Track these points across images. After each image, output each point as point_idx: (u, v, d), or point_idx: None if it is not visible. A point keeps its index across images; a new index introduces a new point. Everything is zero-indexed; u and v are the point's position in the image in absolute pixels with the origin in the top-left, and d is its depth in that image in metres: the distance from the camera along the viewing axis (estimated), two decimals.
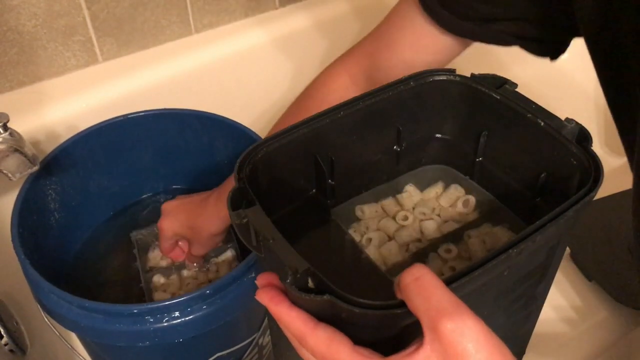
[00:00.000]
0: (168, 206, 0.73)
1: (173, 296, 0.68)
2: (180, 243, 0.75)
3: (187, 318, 0.57)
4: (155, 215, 0.83)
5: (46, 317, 0.62)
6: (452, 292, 0.33)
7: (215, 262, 0.78)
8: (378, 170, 0.56)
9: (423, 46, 0.60)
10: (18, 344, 0.73)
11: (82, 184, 0.77)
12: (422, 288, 0.32)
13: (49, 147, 0.73)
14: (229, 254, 0.78)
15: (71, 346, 0.68)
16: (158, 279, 0.76)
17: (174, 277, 0.76)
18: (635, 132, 0.44)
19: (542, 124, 0.47)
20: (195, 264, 0.76)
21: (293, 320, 0.36)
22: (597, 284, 0.75)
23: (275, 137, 0.47)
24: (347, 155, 0.52)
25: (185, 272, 0.77)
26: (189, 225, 0.70)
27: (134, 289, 0.76)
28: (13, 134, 0.63)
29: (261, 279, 0.39)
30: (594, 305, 0.75)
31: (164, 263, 0.78)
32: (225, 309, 0.59)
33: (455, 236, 0.51)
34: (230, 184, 0.61)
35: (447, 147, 0.56)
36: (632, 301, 0.72)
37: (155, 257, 0.79)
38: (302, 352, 0.37)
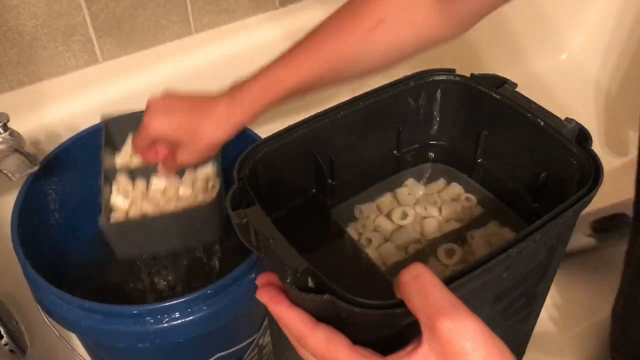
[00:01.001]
0: (160, 102, 0.63)
1: (130, 211, 0.66)
2: (158, 146, 0.65)
3: (187, 319, 0.57)
4: None
5: (46, 318, 0.62)
6: (450, 291, 0.33)
7: (191, 175, 0.70)
8: (378, 169, 0.56)
9: None
10: (18, 344, 0.73)
11: (82, 184, 0.77)
12: (420, 287, 0.32)
13: (49, 147, 0.73)
14: (209, 168, 0.70)
15: (71, 346, 0.68)
16: (121, 180, 0.68)
17: (140, 183, 0.69)
18: None
19: (542, 123, 0.47)
20: (168, 174, 0.68)
21: (292, 320, 0.36)
22: None
23: (275, 137, 0.47)
24: (347, 155, 0.52)
25: (154, 181, 0.69)
26: (187, 128, 0.61)
27: (134, 289, 0.76)
28: (13, 134, 0.64)
29: (261, 279, 0.39)
30: (594, 305, 0.75)
31: (133, 163, 0.71)
32: (226, 309, 0.59)
33: (458, 236, 0.51)
34: (249, 86, 0.59)
35: (447, 147, 0.56)
36: None
37: (125, 154, 0.71)
38: (302, 352, 0.37)
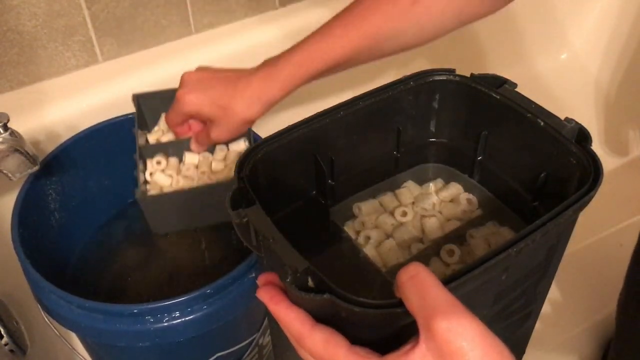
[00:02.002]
0: (193, 76, 0.63)
1: (165, 185, 0.67)
2: (191, 121, 0.65)
3: (187, 318, 0.57)
4: None
5: (46, 317, 0.62)
6: (447, 291, 0.32)
7: (223, 151, 0.70)
8: (378, 169, 0.56)
9: None
10: (18, 344, 0.73)
11: (82, 184, 0.77)
12: (418, 286, 0.32)
13: (49, 147, 0.73)
14: (241, 144, 0.70)
15: (71, 346, 0.68)
16: (156, 157, 0.69)
17: (173, 159, 0.70)
18: None
19: (542, 123, 0.47)
20: (200, 150, 0.68)
21: (291, 321, 0.36)
22: None
23: (275, 137, 0.47)
24: (347, 155, 0.52)
25: (187, 156, 0.69)
26: (220, 104, 0.60)
27: (134, 289, 0.76)
28: (13, 133, 0.64)
29: (262, 278, 0.39)
30: (594, 305, 0.75)
31: (164, 139, 0.72)
32: (226, 309, 0.59)
33: (457, 235, 0.51)
34: (285, 61, 0.58)
35: (447, 146, 0.56)
36: None
37: (157, 132, 0.71)
38: (301, 352, 0.37)
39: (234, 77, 0.61)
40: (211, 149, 0.71)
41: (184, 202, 0.68)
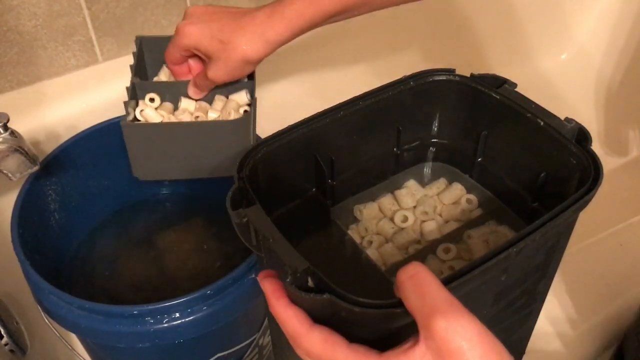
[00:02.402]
0: (197, 9, 0.59)
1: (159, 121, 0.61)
2: (191, 62, 0.62)
3: (187, 319, 0.57)
4: (156, 216, 0.83)
5: (46, 318, 0.62)
6: (447, 290, 0.32)
7: (221, 100, 0.65)
8: (378, 169, 0.56)
9: None
10: (18, 344, 0.73)
11: (82, 185, 0.77)
12: (417, 286, 0.32)
13: (49, 147, 0.73)
14: (242, 95, 0.65)
15: (71, 346, 0.68)
16: (150, 95, 0.65)
17: (168, 104, 0.65)
18: None
19: (542, 123, 0.47)
20: (198, 94, 0.64)
21: (289, 319, 0.36)
22: None
23: (275, 137, 0.47)
24: (347, 155, 0.52)
25: (183, 102, 0.64)
26: (222, 38, 0.57)
27: (134, 290, 0.76)
28: (13, 133, 0.63)
29: (263, 273, 0.39)
30: (594, 305, 0.75)
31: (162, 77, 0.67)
32: (226, 309, 0.59)
33: (455, 236, 0.51)
34: (292, 3, 0.54)
35: (447, 147, 0.56)
36: None
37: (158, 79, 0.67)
38: (298, 352, 0.37)
39: (239, 12, 0.57)
40: (209, 100, 0.66)
41: (175, 139, 0.61)
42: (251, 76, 0.66)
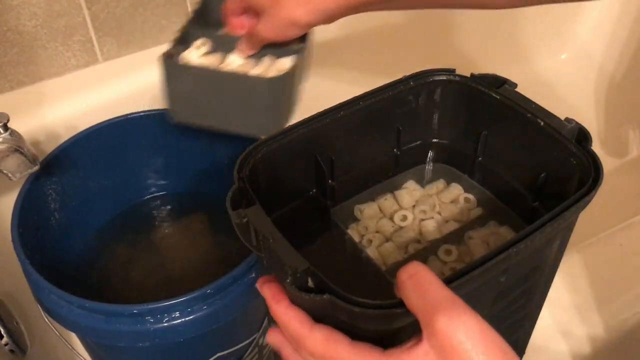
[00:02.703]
0: None
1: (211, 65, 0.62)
2: (245, 18, 0.61)
3: (187, 318, 0.57)
4: (156, 216, 0.83)
5: (46, 317, 0.62)
6: (447, 288, 0.33)
7: (269, 60, 0.65)
8: (378, 169, 0.56)
9: None
10: (18, 344, 0.73)
11: (82, 184, 0.77)
12: (418, 284, 0.32)
13: (49, 147, 0.73)
14: (287, 62, 0.65)
15: (71, 346, 0.68)
16: (200, 41, 0.65)
17: (217, 56, 0.65)
18: None
19: (542, 123, 0.47)
20: (247, 50, 0.63)
21: (290, 320, 0.36)
22: None
23: (275, 137, 0.47)
24: (347, 155, 0.52)
25: (231, 57, 0.65)
26: None
27: (134, 289, 0.76)
28: (13, 134, 0.64)
29: (261, 280, 0.39)
30: (594, 305, 0.75)
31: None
32: (226, 309, 0.59)
33: (455, 237, 0.51)
34: None
35: (447, 147, 0.56)
36: None
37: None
38: (302, 353, 0.37)
39: None
40: (258, 59, 0.65)
41: (208, 85, 0.62)
42: (303, 39, 0.65)
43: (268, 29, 0.58)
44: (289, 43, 0.63)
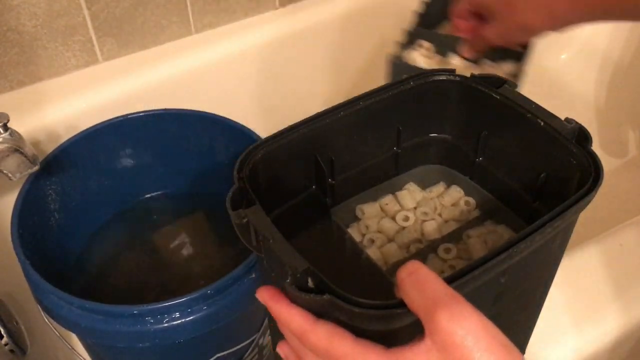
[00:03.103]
0: None
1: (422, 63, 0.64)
2: (472, 20, 0.61)
3: (187, 319, 0.57)
4: (156, 216, 0.83)
5: (46, 318, 0.62)
6: (447, 284, 0.32)
7: (487, 65, 0.65)
8: (378, 170, 0.56)
9: None
10: (18, 344, 0.73)
11: (82, 185, 0.77)
12: (417, 282, 0.32)
13: (49, 147, 0.73)
14: (508, 66, 0.65)
15: (71, 346, 0.68)
16: (425, 44, 0.67)
17: (437, 55, 0.67)
18: None
19: (542, 123, 0.47)
20: (469, 53, 0.63)
21: (293, 317, 0.36)
22: None
23: (275, 137, 0.47)
24: (347, 155, 0.52)
25: (451, 56, 0.66)
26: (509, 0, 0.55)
27: (134, 289, 0.76)
28: (13, 134, 0.64)
29: (260, 289, 0.39)
30: (595, 305, 0.75)
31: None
32: (226, 309, 0.59)
33: (455, 236, 0.51)
34: None
35: (447, 147, 0.56)
36: None
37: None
38: (304, 350, 0.37)
39: None
40: (477, 62, 0.66)
41: None
42: (525, 47, 0.65)
43: (497, 33, 0.57)
44: (506, 48, 0.62)
